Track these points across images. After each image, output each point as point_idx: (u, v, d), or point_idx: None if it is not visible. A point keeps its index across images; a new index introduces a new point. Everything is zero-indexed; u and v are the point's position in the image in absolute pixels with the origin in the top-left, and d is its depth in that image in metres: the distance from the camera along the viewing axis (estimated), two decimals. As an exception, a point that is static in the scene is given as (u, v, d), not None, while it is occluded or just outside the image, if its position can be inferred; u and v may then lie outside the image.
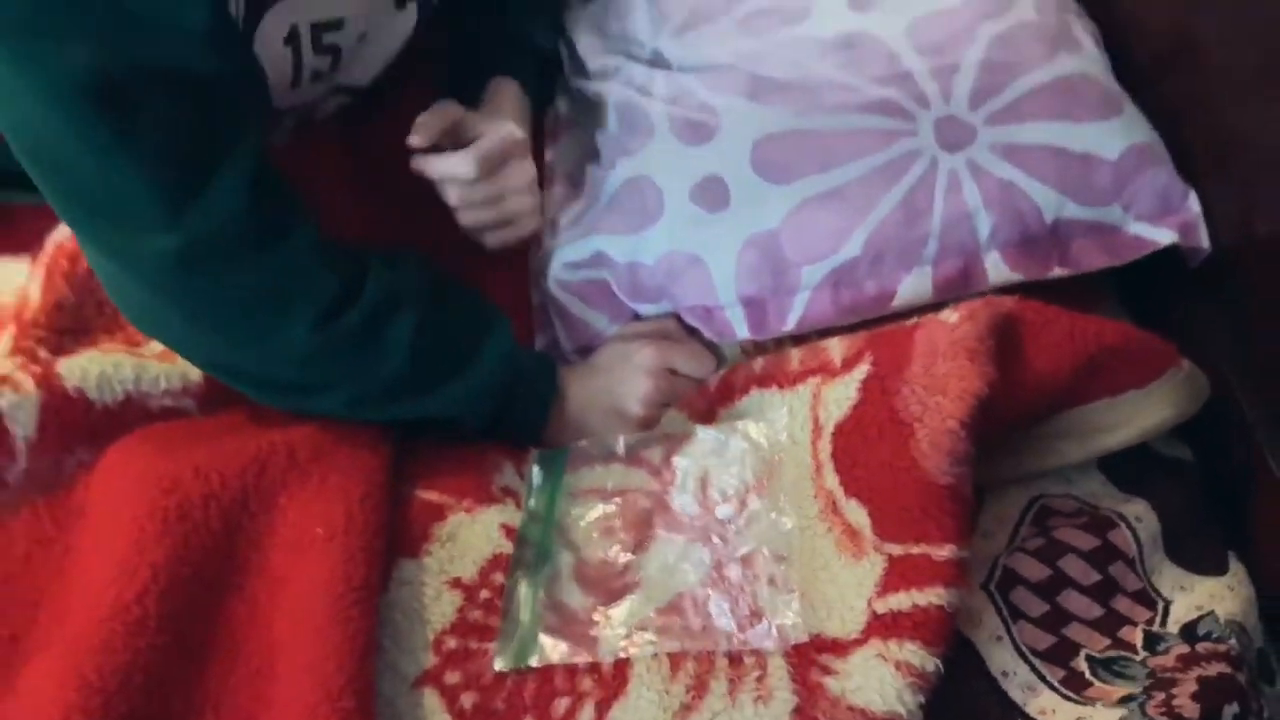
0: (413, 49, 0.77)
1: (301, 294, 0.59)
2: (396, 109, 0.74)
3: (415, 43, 0.76)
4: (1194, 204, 0.66)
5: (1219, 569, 0.61)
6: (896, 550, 0.56)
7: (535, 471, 0.65)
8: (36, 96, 0.52)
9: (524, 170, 0.71)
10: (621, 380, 0.69)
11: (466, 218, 0.71)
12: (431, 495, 0.63)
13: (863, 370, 0.61)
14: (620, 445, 0.65)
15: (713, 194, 0.69)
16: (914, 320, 0.63)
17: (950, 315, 0.60)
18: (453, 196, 0.70)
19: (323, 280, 0.60)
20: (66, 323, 0.67)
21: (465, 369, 0.64)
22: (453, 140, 0.70)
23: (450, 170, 0.69)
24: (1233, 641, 0.56)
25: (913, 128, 0.66)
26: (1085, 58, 0.69)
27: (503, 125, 0.70)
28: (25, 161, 0.56)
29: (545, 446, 0.68)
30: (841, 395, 0.61)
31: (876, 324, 0.67)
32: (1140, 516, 0.61)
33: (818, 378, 0.64)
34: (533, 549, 0.61)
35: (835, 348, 0.65)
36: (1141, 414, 0.61)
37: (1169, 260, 0.68)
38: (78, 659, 0.52)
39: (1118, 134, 0.66)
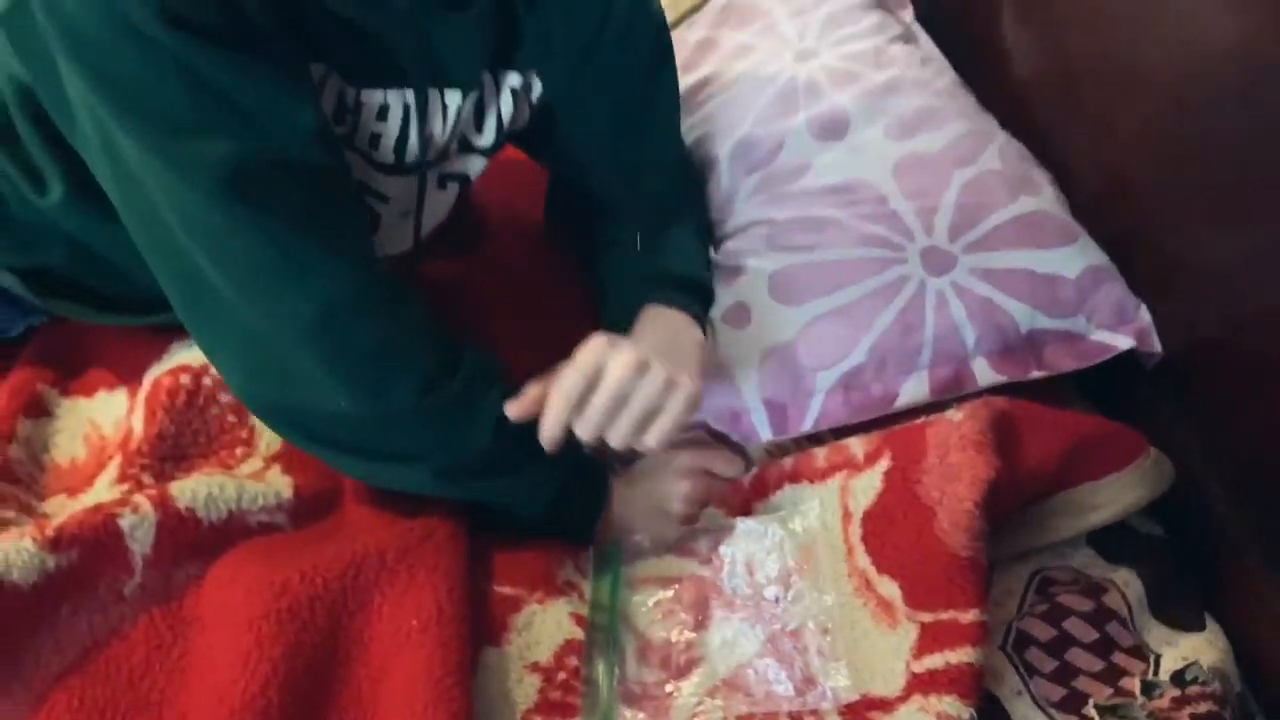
0: (451, 221, 0.85)
1: (416, 354, 0.66)
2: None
3: (454, 215, 0.84)
4: (1145, 314, 0.78)
5: (1198, 626, 0.70)
6: (927, 617, 0.64)
7: (595, 565, 0.73)
8: (187, 185, 0.60)
9: (622, 360, 0.65)
10: (663, 482, 0.75)
11: (614, 438, 0.67)
12: (506, 589, 0.70)
13: (884, 464, 0.71)
14: (670, 538, 0.74)
15: (737, 316, 0.81)
16: (923, 419, 0.73)
17: (955, 414, 0.70)
18: (585, 432, 0.67)
19: (433, 344, 0.67)
20: (167, 451, 0.74)
21: (539, 455, 0.68)
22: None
23: (557, 407, 0.66)
24: (1217, 685, 0.64)
25: (903, 256, 0.78)
26: (1043, 198, 0.82)
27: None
28: (163, 252, 0.63)
29: (593, 545, 0.75)
30: (867, 485, 0.70)
31: (887, 423, 0.76)
32: (1127, 582, 0.71)
33: (844, 472, 0.73)
34: (603, 634, 0.68)
35: (856, 445, 0.74)
36: (1121, 494, 0.71)
37: (1133, 366, 0.79)
38: (209, 748, 0.58)
39: (1075, 258, 0.78)
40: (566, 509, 0.73)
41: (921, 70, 0.94)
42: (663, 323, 0.77)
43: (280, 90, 0.62)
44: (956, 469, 0.66)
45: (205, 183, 0.60)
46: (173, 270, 0.65)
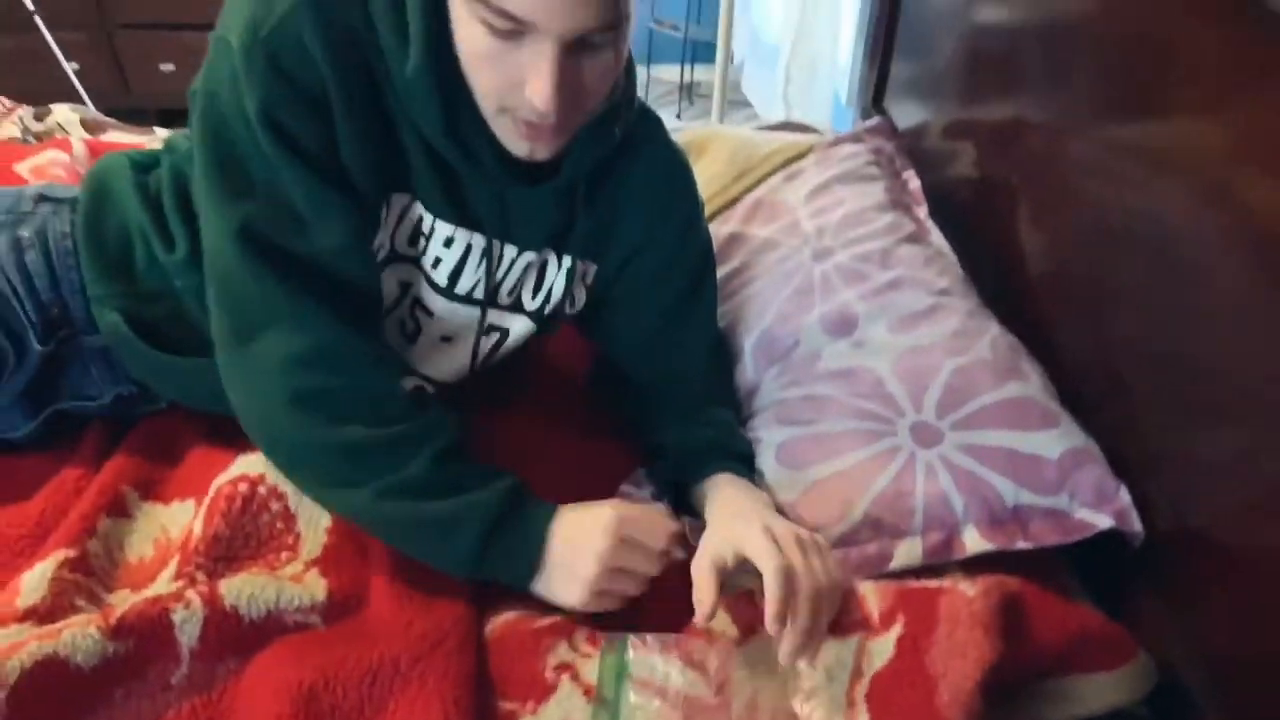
0: (503, 367, 0.96)
1: (363, 405, 0.77)
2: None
3: (485, 364, 0.95)
4: (1125, 495, 0.84)
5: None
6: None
7: (603, 650, 0.77)
8: (223, 227, 0.76)
9: (810, 566, 0.75)
10: (586, 533, 0.77)
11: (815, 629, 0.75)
12: (505, 704, 0.75)
13: (898, 629, 0.76)
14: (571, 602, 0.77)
15: None
16: (937, 584, 0.78)
17: (969, 589, 0.76)
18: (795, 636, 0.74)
19: (387, 389, 0.79)
20: (220, 552, 0.81)
21: (477, 487, 0.77)
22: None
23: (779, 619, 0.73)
24: None
25: (893, 429, 0.87)
26: (1030, 386, 0.90)
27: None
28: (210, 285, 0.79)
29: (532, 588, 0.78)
30: (883, 649, 0.75)
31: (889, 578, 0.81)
32: (1107, 755, 0.74)
33: (862, 632, 0.77)
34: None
35: (871, 601, 0.79)
36: (1105, 693, 0.76)
37: (1122, 546, 0.84)
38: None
39: (1057, 440, 0.85)
40: (501, 537, 0.77)
41: (924, 270, 1.05)
42: (744, 490, 0.87)
43: (329, 211, 0.77)
44: (963, 646, 0.71)
45: (231, 231, 0.75)
46: (213, 304, 0.80)
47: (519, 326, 0.94)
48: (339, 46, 0.74)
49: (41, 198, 0.90)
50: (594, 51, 0.72)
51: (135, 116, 2.87)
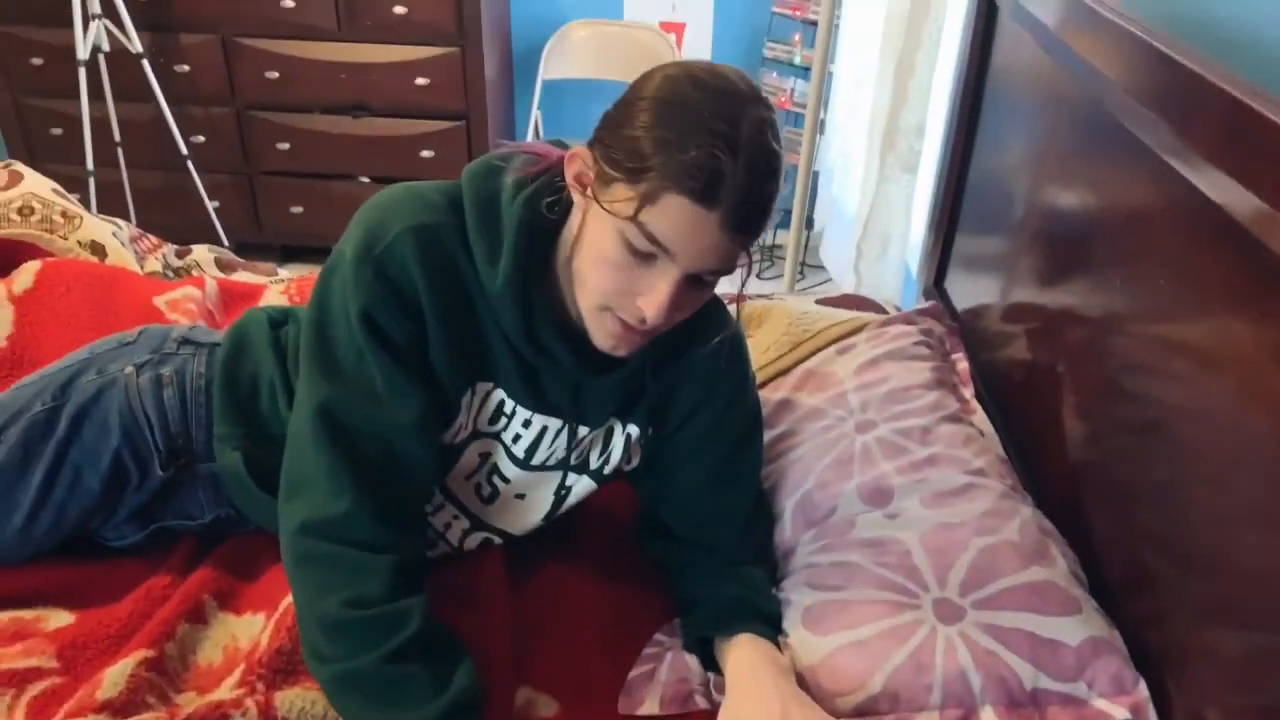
0: (548, 528, 1.03)
1: (355, 572, 0.81)
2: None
3: (551, 519, 1.03)
4: (1143, 689, 0.84)
5: None
6: None
7: None
8: (306, 399, 0.85)
9: None
10: None
11: None
12: None
13: None
14: None
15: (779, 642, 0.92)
16: None
17: None
18: None
19: (376, 566, 0.82)
20: (281, 664, 0.87)
21: (414, 703, 0.78)
22: None
23: None
24: None
25: (918, 603, 0.89)
26: (1055, 570, 0.92)
27: None
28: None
29: None
30: None
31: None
32: None
33: None
34: None
35: None
36: None
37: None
38: None
39: (1077, 627, 0.86)
40: None
41: (963, 449, 1.08)
42: (764, 656, 0.89)
43: (404, 391, 0.86)
44: None
45: (312, 406, 0.84)
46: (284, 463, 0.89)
47: (582, 485, 1.02)
48: (436, 267, 0.85)
49: (185, 341, 1.03)
50: (703, 285, 0.82)
51: (263, 250, 3.15)
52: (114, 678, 0.82)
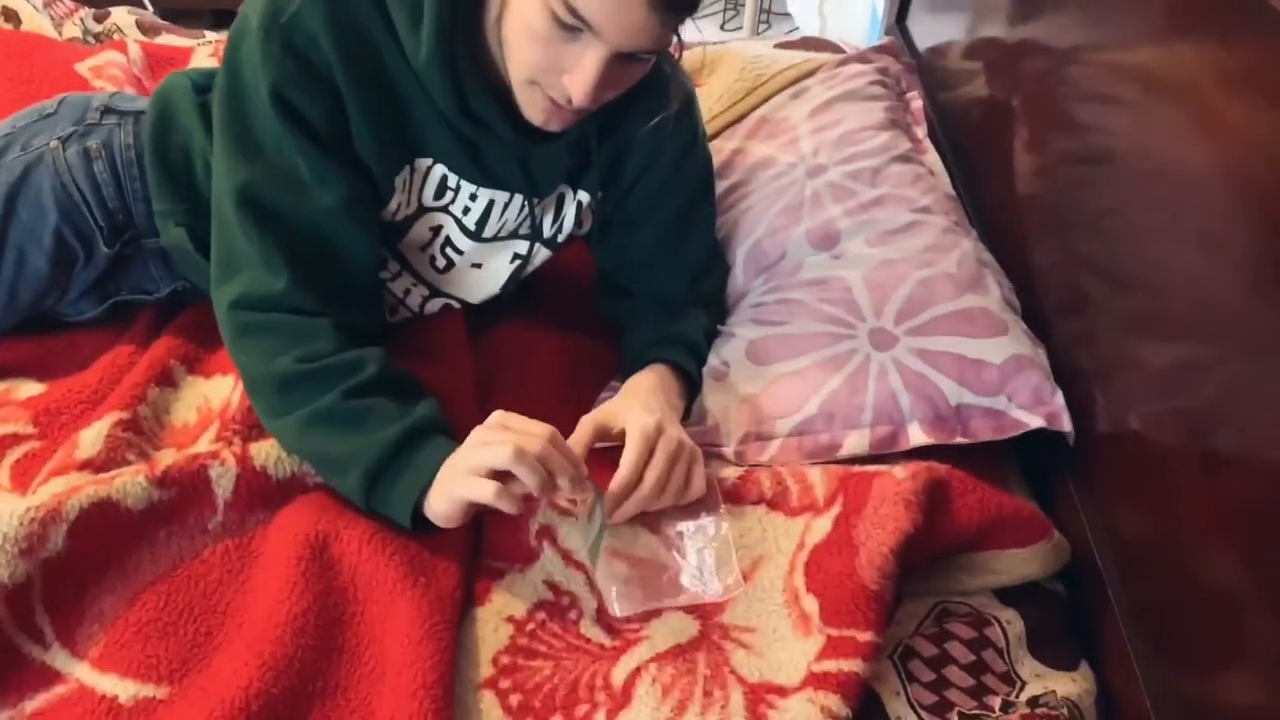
0: (505, 295, 1.06)
1: (302, 336, 0.84)
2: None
3: (508, 289, 1.05)
4: (1059, 399, 0.91)
5: (1070, 667, 0.82)
6: (834, 632, 0.77)
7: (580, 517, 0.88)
8: (226, 193, 0.85)
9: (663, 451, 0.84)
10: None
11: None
12: (495, 562, 0.87)
13: (836, 509, 0.85)
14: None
15: (719, 372, 0.98)
16: (874, 469, 0.87)
17: (900, 473, 0.85)
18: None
19: (319, 329, 0.85)
20: (255, 419, 0.91)
21: (377, 427, 0.81)
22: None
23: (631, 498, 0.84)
24: (1064, 711, 0.76)
25: (854, 333, 0.95)
26: (988, 298, 0.97)
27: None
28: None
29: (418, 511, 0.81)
30: (823, 526, 0.85)
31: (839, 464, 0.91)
32: (1011, 621, 0.83)
33: (810, 513, 0.87)
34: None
35: (818, 488, 0.88)
36: (1019, 566, 0.85)
37: (1062, 445, 0.92)
38: (260, 648, 0.74)
39: (1003, 347, 0.92)
40: (382, 491, 0.82)
41: (910, 188, 1.10)
42: (659, 386, 0.94)
43: (327, 177, 0.86)
44: (884, 519, 0.80)
45: (233, 188, 0.85)
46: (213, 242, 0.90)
47: (538, 254, 1.04)
48: (349, 37, 0.82)
49: (108, 109, 1.00)
50: (635, 62, 0.79)
51: (192, 17, 2.96)
52: (91, 438, 0.87)
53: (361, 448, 0.81)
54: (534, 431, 0.77)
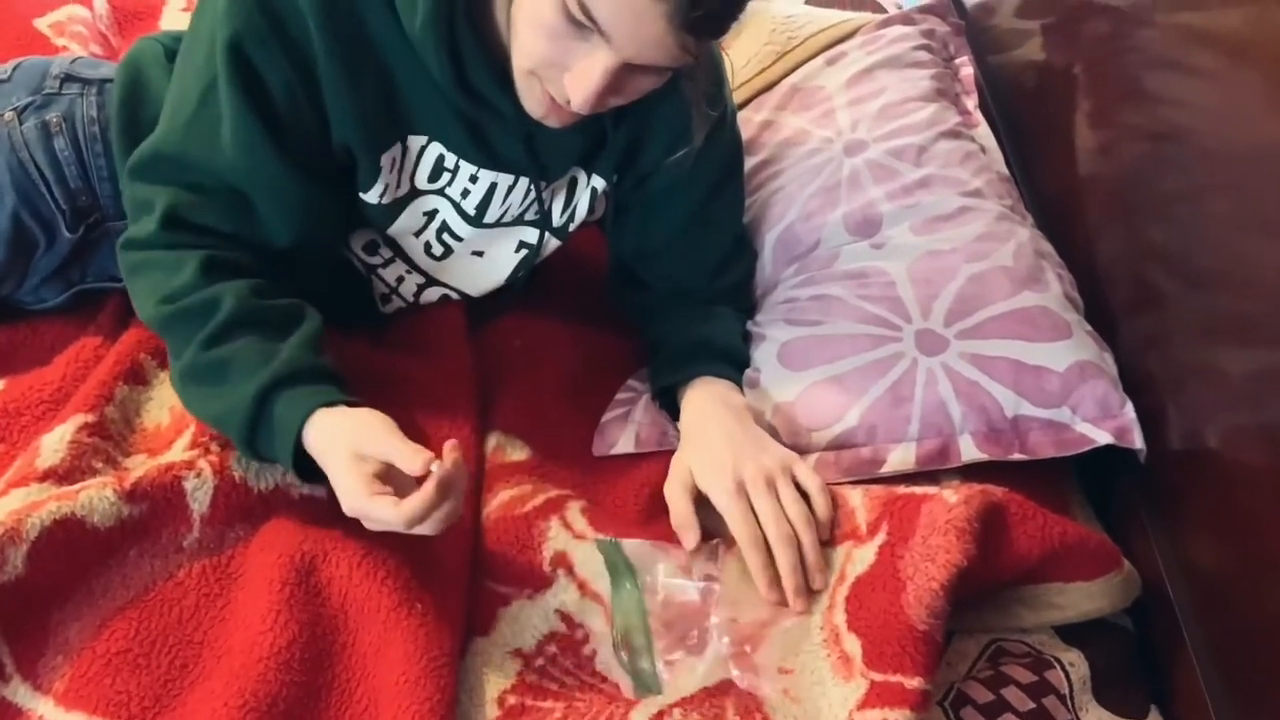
0: (512, 288, 1.03)
1: (166, 277, 0.83)
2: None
3: (514, 281, 1.03)
4: (1129, 411, 0.88)
5: (1140, 714, 0.80)
6: (878, 677, 0.75)
7: (595, 545, 0.86)
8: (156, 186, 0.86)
9: (768, 507, 0.85)
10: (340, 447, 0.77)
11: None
12: (499, 587, 0.85)
13: (881, 537, 0.83)
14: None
15: (750, 378, 0.96)
16: (922, 491, 0.85)
17: (952, 496, 0.82)
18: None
19: (185, 269, 0.83)
20: None
21: (237, 380, 0.80)
22: None
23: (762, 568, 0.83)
24: (1133, 764, 0.74)
25: (898, 335, 0.92)
26: (1048, 295, 0.94)
27: None
28: None
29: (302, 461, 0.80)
30: (865, 556, 0.83)
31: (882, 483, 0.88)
32: (1074, 663, 0.81)
33: (850, 542, 0.85)
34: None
35: (860, 513, 0.86)
36: (1084, 601, 0.83)
37: (1131, 462, 0.89)
38: (240, 685, 0.73)
39: (1066, 352, 0.89)
40: (262, 448, 0.81)
41: (959, 168, 1.07)
42: (719, 401, 0.92)
43: (262, 161, 0.83)
44: (934, 550, 0.78)
45: (161, 203, 0.84)
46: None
47: (546, 243, 1.01)
48: (332, 7, 0.79)
49: (68, 77, 0.97)
50: (646, 74, 0.76)
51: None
52: (53, 444, 0.84)
53: (225, 411, 0.81)
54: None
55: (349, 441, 0.77)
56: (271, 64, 0.81)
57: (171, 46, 0.96)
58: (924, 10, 1.33)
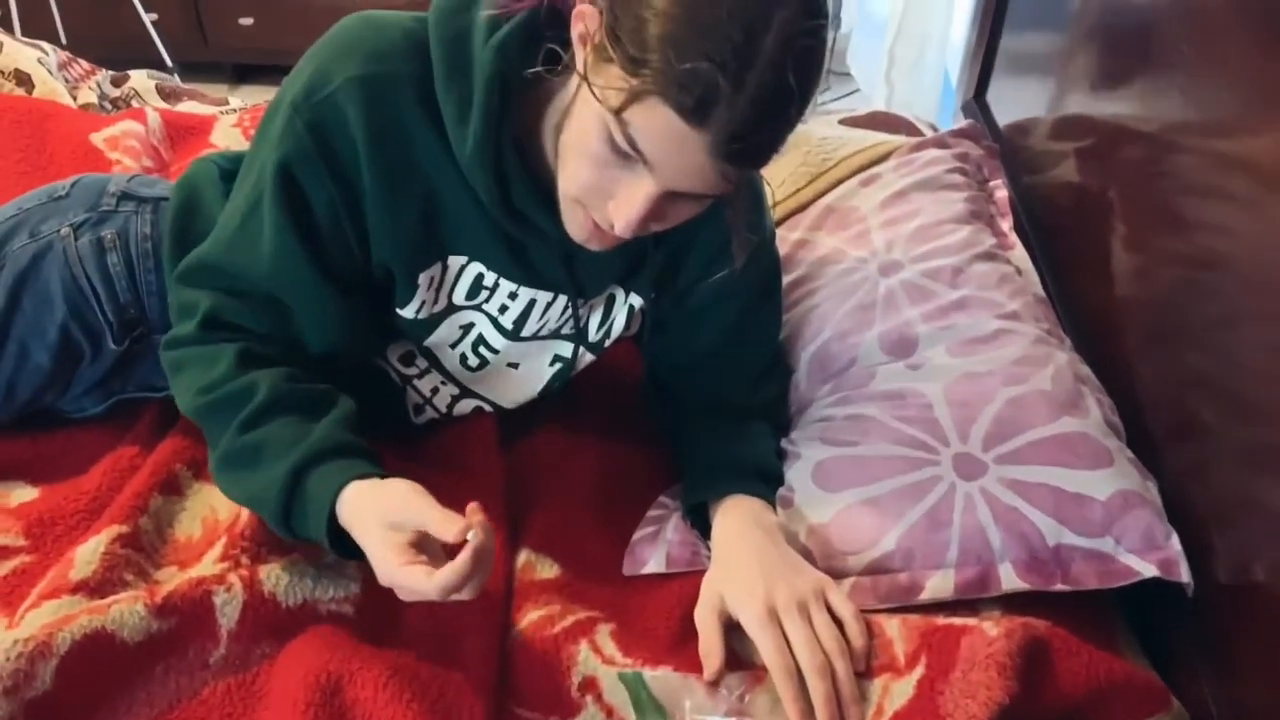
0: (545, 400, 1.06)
1: (205, 368, 0.88)
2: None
3: (547, 394, 1.06)
4: (1175, 543, 0.87)
5: None
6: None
7: (619, 676, 0.85)
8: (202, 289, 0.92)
9: (802, 639, 0.84)
10: (372, 522, 0.79)
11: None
12: (526, 712, 0.85)
13: (919, 671, 0.83)
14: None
15: (784, 498, 0.97)
16: (963, 622, 0.84)
17: (993, 628, 0.82)
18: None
19: (221, 361, 0.88)
20: (265, 537, 0.91)
21: (269, 461, 0.84)
22: None
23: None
24: None
25: (936, 459, 0.93)
26: (1088, 421, 0.95)
27: None
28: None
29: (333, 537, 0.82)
30: (904, 690, 0.82)
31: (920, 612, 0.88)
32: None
33: (888, 674, 0.84)
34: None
35: (897, 644, 0.85)
36: None
37: (1178, 597, 0.88)
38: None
39: (1108, 480, 0.89)
40: (300, 526, 0.84)
41: (996, 290, 1.09)
42: (751, 513, 0.93)
43: (295, 272, 0.88)
44: (975, 687, 0.77)
45: (203, 305, 0.90)
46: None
47: (582, 358, 1.04)
48: (383, 127, 0.84)
49: (125, 195, 1.03)
50: (689, 201, 0.80)
51: (211, 70, 3.07)
52: (86, 556, 0.87)
53: (260, 491, 0.85)
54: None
55: (382, 511, 0.79)
56: (317, 182, 0.85)
57: (227, 167, 1.01)
58: (958, 134, 1.37)
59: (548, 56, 0.80)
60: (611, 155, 0.75)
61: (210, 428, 0.88)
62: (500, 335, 0.99)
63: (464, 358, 1.01)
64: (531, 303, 0.96)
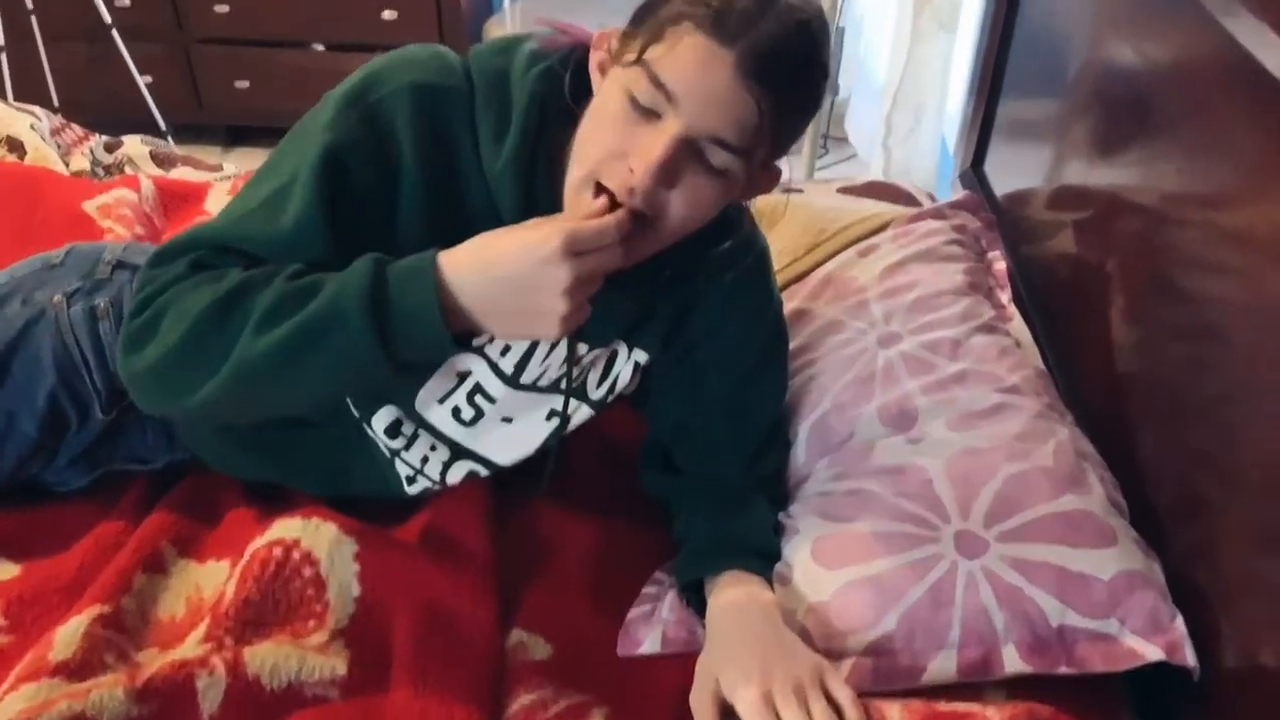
0: (544, 461, 1.06)
1: (209, 279, 0.81)
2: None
3: (545, 451, 1.05)
4: (1180, 626, 0.87)
5: None
6: None
7: None
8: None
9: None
10: (531, 275, 0.77)
11: None
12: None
13: None
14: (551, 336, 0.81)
15: (781, 574, 0.97)
16: (965, 708, 0.84)
17: (996, 715, 0.82)
18: None
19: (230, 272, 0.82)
20: (250, 616, 0.91)
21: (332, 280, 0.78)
22: None
23: None
24: None
25: (937, 537, 0.93)
26: (1091, 498, 0.95)
27: None
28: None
29: (456, 350, 0.80)
30: None
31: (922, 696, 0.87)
32: None
33: None
34: None
35: None
36: None
37: (1184, 680, 0.87)
38: None
39: (1111, 560, 0.90)
40: (388, 311, 0.78)
41: (996, 363, 1.11)
42: (748, 591, 0.94)
43: (312, 244, 0.84)
44: None
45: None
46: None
47: (578, 414, 1.04)
48: (431, 133, 0.86)
49: (119, 264, 1.04)
50: (706, 168, 0.81)
51: (204, 132, 3.12)
52: (66, 638, 0.86)
53: (333, 295, 0.78)
54: None
55: (490, 236, 0.80)
56: (360, 169, 0.85)
57: None
58: (956, 205, 1.40)
59: (577, 94, 0.85)
60: (631, 112, 0.79)
61: (233, 315, 0.79)
62: (500, 381, 0.99)
63: (457, 410, 1.00)
64: (534, 345, 0.97)
